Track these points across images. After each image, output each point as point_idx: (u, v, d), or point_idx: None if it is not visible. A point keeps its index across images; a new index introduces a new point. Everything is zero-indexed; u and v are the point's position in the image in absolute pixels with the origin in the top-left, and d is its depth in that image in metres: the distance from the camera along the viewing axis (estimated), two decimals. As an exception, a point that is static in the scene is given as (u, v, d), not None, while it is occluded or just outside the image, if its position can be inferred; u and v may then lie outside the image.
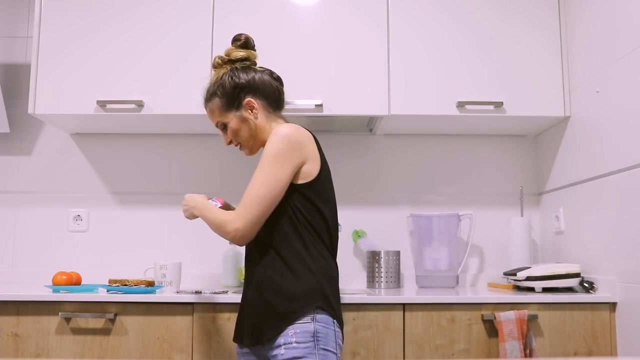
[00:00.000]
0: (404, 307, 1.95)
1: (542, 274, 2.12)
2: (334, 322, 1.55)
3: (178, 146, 2.63)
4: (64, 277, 2.09)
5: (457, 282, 2.41)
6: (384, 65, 2.28)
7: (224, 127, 1.71)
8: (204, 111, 2.28)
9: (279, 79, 1.77)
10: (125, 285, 1.99)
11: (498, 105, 2.25)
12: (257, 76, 1.71)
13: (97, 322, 1.94)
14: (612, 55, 1.99)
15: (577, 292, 2.09)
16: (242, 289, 2.26)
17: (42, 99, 2.26)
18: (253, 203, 1.53)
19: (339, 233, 2.05)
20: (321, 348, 1.50)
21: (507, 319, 1.90)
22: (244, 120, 1.68)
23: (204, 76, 2.25)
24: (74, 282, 2.12)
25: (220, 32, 2.28)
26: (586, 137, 2.17)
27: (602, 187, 2.05)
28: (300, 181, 1.58)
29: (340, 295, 1.66)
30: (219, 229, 1.58)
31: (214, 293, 1.96)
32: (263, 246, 1.59)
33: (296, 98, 2.25)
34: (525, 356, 1.90)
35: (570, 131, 2.30)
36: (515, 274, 2.18)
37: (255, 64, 1.76)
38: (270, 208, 1.54)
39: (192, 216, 1.73)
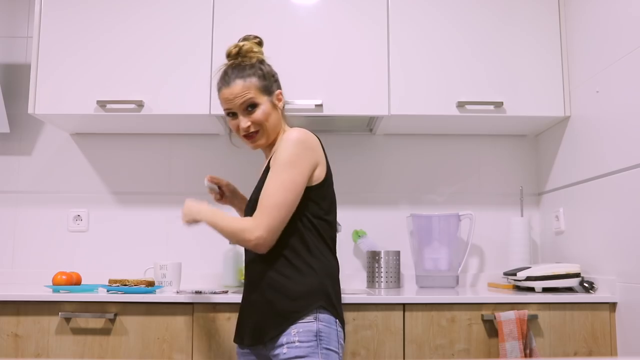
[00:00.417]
0: (404, 307, 1.95)
1: (542, 274, 2.12)
2: (336, 322, 1.56)
3: (178, 146, 2.63)
4: (64, 277, 2.09)
5: (457, 282, 2.41)
6: (384, 65, 2.28)
7: (250, 107, 1.61)
8: (204, 111, 2.29)
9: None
10: (125, 285, 1.99)
11: (498, 105, 2.25)
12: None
13: (97, 322, 1.94)
14: (612, 55, 1.99)
15: (577, 292, 2.09)
16: (242, 289, 2.26)
17: (42, 99, 2.26)
18: (273, 210, 1.50)
19: (339, 233, 2.05)
20: (324, 347, 1.51)
21: (507, 319, 1.90)
22: (274, 107, 1.66)
23: (204, 76, 2.25)
24: (74, 282, 2.12)
25: (220, 32, 2.28)
26: (586, 137, 2.17)
27: (602, 187, 2.05)
28: (310, 185, 1.58)
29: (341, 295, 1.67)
30: (236, 237, 1.53)
31: (214, 293, 1.96)
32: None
33: (296, 98, 2.25)
34: (525, 356, 1.90)
35: (570, 131, 2.30)
36: (515, 274, 2.18)
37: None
38: (289, 213, 1.53)
39: (192, 222, 1.65)
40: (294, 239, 1.56)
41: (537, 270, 2.13)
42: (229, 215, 1.59)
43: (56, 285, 2.06)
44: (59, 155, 2.63)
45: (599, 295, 1.98)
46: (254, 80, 1.62)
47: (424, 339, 1.94)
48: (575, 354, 1.94)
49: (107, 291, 2.01)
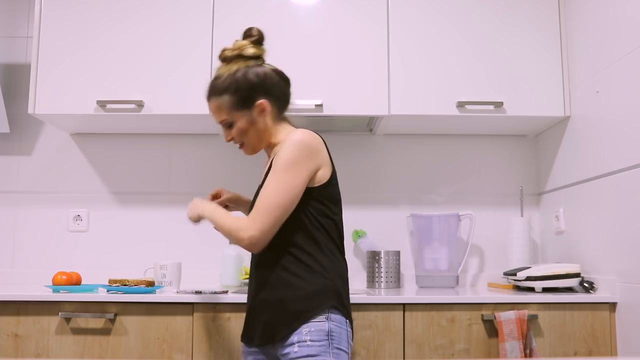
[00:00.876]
0: (404, 307, 1.95)
1: (542, 274, 2.12)
2: (346, 322, 1.56)
3: (178, 146, 2.63)
4: (64, 277, 2.09)
5: (457, 282, 2.41)
6: (384, 65, 2.28)
7: (228, 125, 1.65)
8: (203, 111, 2.28)
9: (287, 81, 1.72)
10: (125, 285, 1.99)
11: (498, 105, 2.25)
12: (270, 75, 1.65)
13: (97, 322, 1.94)
14: (612, 55, 1.99)
15: (577, 292, 2.09)
16: (242, 289, 2.27)
17: (42, 99, 2.26)
18: (268, 210, 1.51)
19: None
20: (335, 347, 1.51)
21: (507, 319, 1.90)
22: (252, 122, 1.63)
23: (204, 76, 2.25)
24: (74, 282, 2.12)
25: (220, 32, 2.28)
26: (586, 137, 2.17)
27: (602, 187, 2.05)
28: (314, 185, 1.57)
29: None
30: (231, 235, 1.55)
31: (214, 293, 1.96)
32: (277, 249, 1.57)
33: (296, 98, 2.20)
34: (525, 356, 1.90)
35: (570, 131, 2.30)
36: (515, 274, 2.18)
37: (264, 61, 1.70)
38: (285, 215, 1.53)
39: (196, 217, 1.67)
40: (304, 238, 1.56)
41: (537, 270, 2.13)
42: (230, 215, 1.60)
43: (56, 285, 2.06)
44: (59, 155, 2.63)
45: (599, 295, 1.98)
46: (226, 99, 1.62)
47: (424, 339, 1.94)
48: (575, 354, 1.94)
49: (107, 291, 2.01)
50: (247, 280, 2.39)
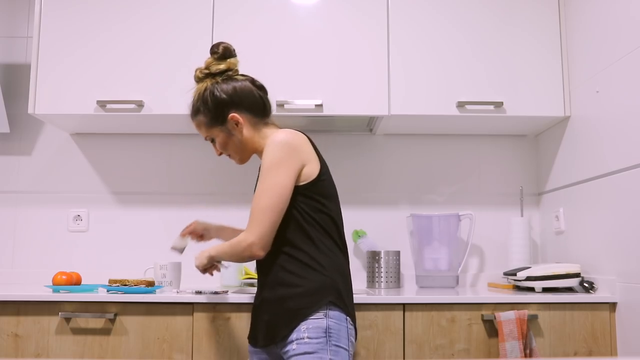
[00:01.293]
0: (404, 307, 1.95)
1: (542, 274, 2.12)
2: (346, 319, 1.56)
3: (178, 146, 2.63)
4: (64, 277, 2.09)
5: (457, 282, 2.41)
6: (384, 65, 2.28)
7: (212, 140, 1.74)
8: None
9: (261, 87, 1.75)
10: (125, 285, 1.99)
11: (498, 105, 2.25)
12: (239, 87, 1.69)
13: (97, 322, 1.94)
14: (612, 55, 1.99)
15: (577, 292, 2.09)
16: (242, 289, 2.27)
17: (42, 99, 2.26)
18: (261, 215, 1.54)
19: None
20: (333, 344, 1.51)
21: (507, 319, 1.90)
22: (230, 134, 1.70)
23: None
24: (74, 282, 2.12)
25: (220, 32, 2.28)
26: (586, 137, 2.17)
27: (602, 187, 2.05)
28: (302, 182, 1.59)
29: None
30: (236, 251, 1.59)
31: (214, 293, 1.96)
32: (274, 249, 1.60)
33: (296, 98, 2.25)
34: (525, 356, 1.90)
35: (570, 131, 2.30)
36: (515, 274, 2.18)
37: (237, 72, 1.74)
38: (279, 216, 1.55)
39: (206, 265, 1.71)
40: (299, 236, 1.58)
41: (537, 270, 2.13)
42: (227, 242, 1.66)
43: (56, 285, 2.06)
44: (59, 155, 2.63)
45: (599, 295, 1.98)
46: (201, 119, 1.71)
47: (424, 339, 1.94)
48: (575, 354, 1.94)
49: (107, 291, 2.01)
50: (247, 280, 2.40)
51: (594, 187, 2.11)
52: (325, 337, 1.51)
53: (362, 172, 2.62)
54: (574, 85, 2.26)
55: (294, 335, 1.51)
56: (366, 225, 2.58)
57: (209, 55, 2.33)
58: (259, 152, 1.71)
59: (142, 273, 2.46)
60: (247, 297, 1.91)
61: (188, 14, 2.30)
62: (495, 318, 1.92)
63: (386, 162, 2.63)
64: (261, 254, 1.56)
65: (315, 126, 2.51)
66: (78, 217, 2.59)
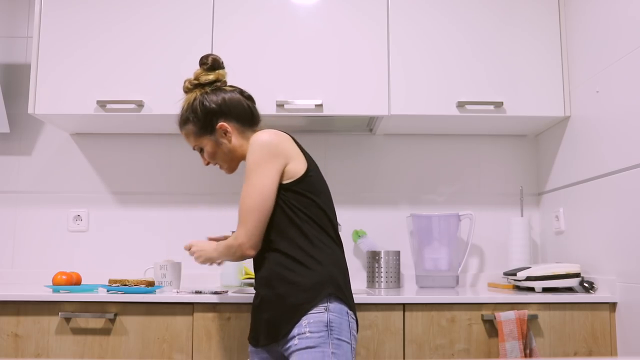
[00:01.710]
0: (404, 307, 1.95)
1: (542, 274, 2.12)
2: (347, 312, 1.57)
3: (178, 146, 2.63)
4: (64, 277, 2.09)
5: (457, 282, 2.41)
6: (384, 65, 2.28)
7: (201, 150, 1.77)
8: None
9: (250, 97, 1.80)
10: (125, 285, 1.99)
11: (498, 105, 2.25)
12: (228, 97, 1.74)
13: (97, 322, 1.94)
14: (612, 55, 1.99)
15: (577, 292, 2.09)
16: (242, 289, 2.27)
17: (42, 99, 2.26)
18: (246, 215, 1.59)
19: (339, 233, 2.05)
20: (335, 338, 1.51)
21: (507, 319, 1.90)
22: (218, 143, 1.73)
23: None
24: (74, 282, 2.12)
25: (220, 32, 2.28)
26: (586, 137, 2.17)
27: (602, 187, 2.05)
28: (289, 180, 1.61)
29: None
30: (230, 253, 1.64)
31: (214, 293, 1.96)
32: (268, 247, 1.62)
33: (296, 98, 2.25)
34: (525, 356, 1.90)
35: (570, 131, 2.30)
36: (515, 274, 2.18)
37: (225, 83, 1.79)
38: (265, 215, 1.59)
39: (208, 261, 1.77)
40: (293, 233, 1.59)
41: (537, 270, 2.13)
42: (223, 242, 1.70)
43: (56, 285, 2.06)
44: (59, 155, 2.63)
45: (599, 295, 1.98)
46: (190, 128, 1.75)
47: (424, 339, 1.94)
48: (575, 354, 1.94)
49: (107, 291, 2.01)
50: (247, 280, 2.40)
51: (594, 187, 2.11)
52: (327, 330, 1.51)
53: (362, 172, 2.62)
54: (574, 85, 2.26)
55: (295, 331, 1.52)
56: (366, 225, 2.58)
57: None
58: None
59: (142, 273, 2.46)
60: (247, 297, 1.91)
61: (188, 13, 2.30)
62: (495, 318, 1.92)
63: (386, 162, 2.63)
64: (251, 252, 1.61)
65: (315, 126, 2.51)
66: (78, 217, 2.59)
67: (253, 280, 2.39)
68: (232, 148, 1.73)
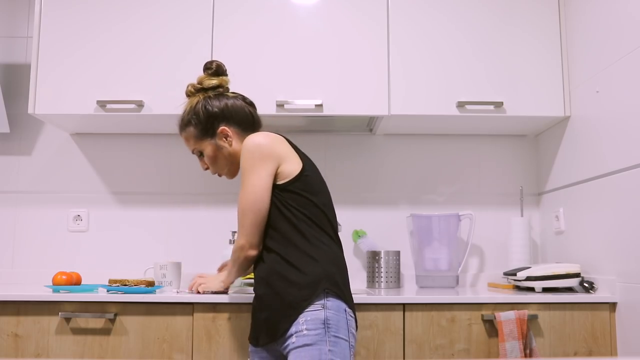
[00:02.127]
0: (404, 307, 1.95)
1: (542, 274, 2.12)
2: (345, 310, 1.57)
3: (178, 146, 2.63)
4: (64, 277, 2.09)
5: (457, 282, 2.41)
6: (384, 65, 2.28)
7: (200, 154, 1.80)
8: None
9: (251, 104, 1.83)
10: (125, 285, 1.99)
11: (498, 105, 2.25)
12: (230, 103, 1.77)
13: (97, 322, 1.94)
14: (612, 55, 1.99)
15: (577, 292, 2.09)
16: (242, 289, 2.27)
17: (42, 99, 2.26)
18: (243, 218, 1.62)
19: (339, 233, 2.06)
20: (332, 335, 1.51)
21: (507, 319, 1.90)
22: (219, 148, 1.76)
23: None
24: (74, 282, 2.12)
25: (220, 32, 2.28)
26: (586, 137, 2.17)
27: (602, 187, 2.05)
28: (283, 180, 1.62)
29: None
30: (237, 260, 1.68)
31: (214, 293, 1.96)
32: (266, 247, 1.64)
33: (296, 98, 2.25)
34: (525, 356, 1.90)
35: (570, 131, 2.30)
36: (515, 274, 2.18)
37: (227, 89, 1.82)
38: (259, 215, 1.61)
39: (224, 287, 1.82)
40: (290, 232, 1.60)
41: (537, 270, 2.13)
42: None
43: (56, 285, 2.06)
44: (59, 155, 2.63)
45: (599, 295, 1.98)
46: (191, 131, 1.78)
47: (424, 339, 1.94)
48: (575, 354, 1.94)
49: (107, 291, 2.01)
50: (247, 281, 2.40)
51: (594, 187, 2.11)
52: (324, 328, 1.51)
53: (362, 172, 2.62)
54: (574, 85, 2.26)
55: (293, 329, 1.52)
56: (366, 225, 2.58)
57: (208, 55, 2.34)
58: None
59: (142, 273, 2.46)
60: (247, 297, 1.91)
61: (188, 13, 2.30)
62: (495, 318, 1.92)
63: (386, 162, 2.63)
64: (253, 253, 1.63)
65: (315, 126, 2.51)
66: (78, 217, 2.59)
67: (253, 281, 2.39)
68: (232, 152, 1.75)
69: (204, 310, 1.94)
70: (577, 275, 2.11)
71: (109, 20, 2.30)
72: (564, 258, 2.33)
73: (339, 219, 2.55)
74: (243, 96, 1.82)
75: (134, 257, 2.56)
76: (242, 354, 1.91)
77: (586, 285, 2.06)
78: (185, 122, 1.78)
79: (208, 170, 1.84)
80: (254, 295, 1.69)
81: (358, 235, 2.53)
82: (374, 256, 2.41)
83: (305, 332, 1.50)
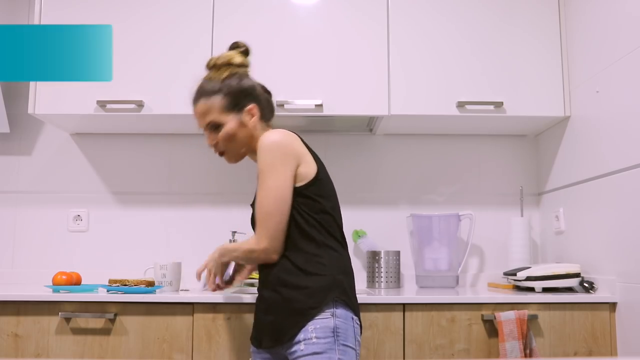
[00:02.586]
0: (404, 307, 1.95)
1: (542, 274, 2.12)
2: (352, 318, 1.56)
3: (178, 146, 2.63)
4: (64, 277, 2.09)
5: (457, 282, 2.41)
6: (384, 65, 2.28)
7: (214, 127, 1.68)
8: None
9: (269, 92, 1.80)
10: (125, 285, 1.99)
11: (498, 105, 2.25)
12: (257, 85, 1.74)
13: (97, 322, 1.94)
14: (612, 55, 1.99)
15: (577, 292, 2.09)
16: (242, 289, 2.27)
17: (42, 99, 2.26)
18: (266, 220, 1.55)
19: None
20: (341, 344, 1.51)
21: (507, 319, 1.90)
22: (242, 124, 1.67)
23: (204, 76, 2.24)
24: (74, 282, 2.12)
25: (220, 32, 2.28)
26: (586, 137, 2.17)
27: (602, 187, 2.05)
28: (300, 183, 1.58)
29: None
30: (250, 258, 1.63)
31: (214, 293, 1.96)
32: None
33: (296, 98, 2.25)
34: (525, 356, 1.90)
35: (570, 131, 2.30)
36: (515, 274, 2.18)
37: (247, 73, 1.76)
38: (284, 217, 1.56)
39: (218, 264, 1.71)
40: (300, 238, 1.58)
41: (537, 270, 2.13)
42: (239, 243, 1.68)
43: (56, 285, 2.06)
44: (59, 155, 2.63)
45: (599, 295, 1.98)
46: (217, 100, 1.66)
47: (424, 339, 1.94)
48: (575, 354, 1.94)
49: (107, 291, 2.01)
50: (248, 281, 2.39)
51: (594, 187, 2.11)
52: (333, 336, 1.50)
53: (362, 172, 2.62)
54: (574, 85, 2.26)
55: (301, 336, 1.50)
56: (366, 225, 2.58)
57: (208, 54, 2.33)
58: (255, 151, 1.69)
59: (142, 273, 2.46)
60: (247, 297, 1.91)
61: (188, 13, 2.30)
62: (495, 318, 1.92)
63: (386, 162, 2.63)
64: (275, 257, 1.57)
65: (315, 126, 2.51)
66: (78, 217, 2.59)
67: (254, 281, 2.39)
68: (251, 133, 1.67)
69: (204, 310, 1.94)
70: (577, 275, 2.11)
71: (109, 20, 2.30)
72: (564, 258, 2.33)
73: (339, 219, 2.55)
74: (263, 85, 1.77)
75: (134, 257, 2.56)
76: (242, 354, 1.91)
77: (586, 285, 2.06)
78: (211, 92, 1.66)
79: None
80: (257, 295, 1.67)
81: (358, 235, 2.53)
82: (374, 256, 2.41)
83: (314, 340, 1.49)
